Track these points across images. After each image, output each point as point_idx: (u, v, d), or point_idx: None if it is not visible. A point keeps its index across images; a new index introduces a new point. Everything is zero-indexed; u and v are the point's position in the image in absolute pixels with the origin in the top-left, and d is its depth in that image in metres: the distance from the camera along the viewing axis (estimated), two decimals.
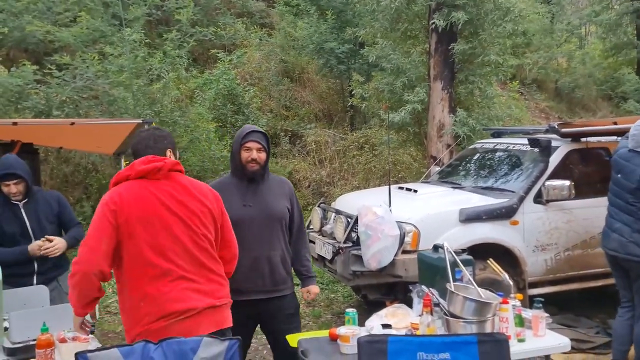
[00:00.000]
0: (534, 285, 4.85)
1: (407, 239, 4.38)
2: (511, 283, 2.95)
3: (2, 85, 6.65)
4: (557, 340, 2.70)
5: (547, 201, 4.76)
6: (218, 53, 9.26)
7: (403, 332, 2.66)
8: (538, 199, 4.77)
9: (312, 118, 10.95)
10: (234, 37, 10.85)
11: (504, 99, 10.50)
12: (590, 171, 5.28)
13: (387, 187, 5.03)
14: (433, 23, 6.51)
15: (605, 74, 17.36)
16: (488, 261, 3.17)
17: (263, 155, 2.92)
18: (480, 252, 4.54)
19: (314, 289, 3.20)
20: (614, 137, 5.24)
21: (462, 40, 6.89)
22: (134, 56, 7.45)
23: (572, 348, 4.49)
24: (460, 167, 5.84)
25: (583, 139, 5.10)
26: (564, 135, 4.97)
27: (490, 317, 2.59)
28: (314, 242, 5.04)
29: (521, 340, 2.64)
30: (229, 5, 13.09)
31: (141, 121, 4.29)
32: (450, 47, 6.82)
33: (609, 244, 3.89)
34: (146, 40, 8.65)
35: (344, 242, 4.57)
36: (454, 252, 3.11)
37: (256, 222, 2.88)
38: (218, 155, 7.69)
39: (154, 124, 4.34)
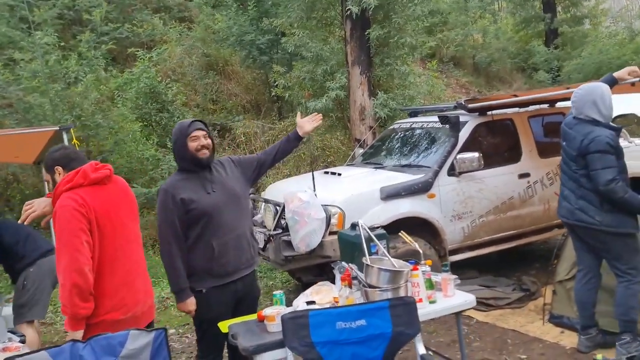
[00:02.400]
0: (454, 252, 5.22)
1: (333, 220, 4.60)
2: (421, 251, 3.21)
3: None
4: (464, 299, 2.98)
5: (460, 173, 5.11)
6: (137, 51, 9.10)
7: (327, 306, 2.87)
8: (451, 171, 5.12)
9: (239, 110, 10.99)
10: (153, 33, 10.66)
11: (424, 78, 10.94)
12: (497, 142, 5.70)
13: (316, 172, 5.23)
14: (348, 10, 6.72)
15: (517, 47, 18.30)
16: (400, 233, 3.42)
17: (210, 141, 3.01)
18: (403, 226, 4.85)
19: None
20: (517, 109, 5.69)
21: (377, 25, 7.15)
22: (46, 60, 7.23)
23: (491, 305, 4.94)
24: (381, 148, 6.13)
25: (489, 113, 5.49)
26: (470, 111, 5.34)
27: (403, 284, 2.84)
28: None
29: (432, 302, 2.91)
30: (144, 1, 12.81)
31: (58, 128, 4.24)
32: (366, 33, 7.08)
33: (560, 211, 3.89)
34: (60, 43, 8.39)
35: (274, 230, 4.74)
36: (375, 228, 3.36)
37: (225, 205, 2.98)
38: (147, 155, 7.62)
39: (72, 130, 4.29)
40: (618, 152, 3.51)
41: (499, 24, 19.86)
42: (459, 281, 3.19)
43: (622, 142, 6.32)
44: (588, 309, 3.87)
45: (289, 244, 4.58)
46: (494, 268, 5.77)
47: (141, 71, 8.28)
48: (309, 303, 2.87)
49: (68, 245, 2.47)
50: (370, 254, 3.09)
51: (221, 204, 2.99)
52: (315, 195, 4.65)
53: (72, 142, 4.27)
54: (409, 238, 3.25)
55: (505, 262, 6.04)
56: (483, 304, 4.98)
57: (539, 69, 16.47)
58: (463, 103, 5.25)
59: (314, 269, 4.99)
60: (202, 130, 2.99)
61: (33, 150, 4.66)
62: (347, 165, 6.20)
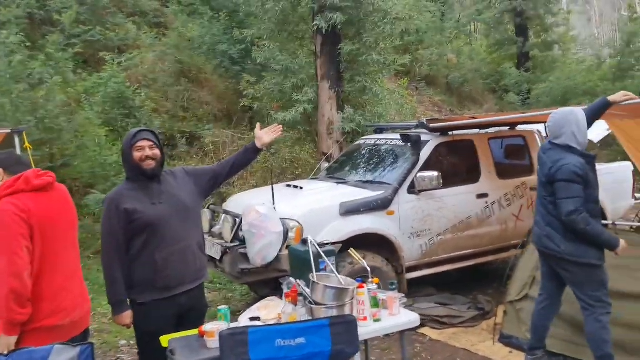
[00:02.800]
0: (412, 269, 5.26)
1: (291, 234, 4.59)
2: (369, 269, 3.22)
3: None
4: (409, 318, 3.00)
5: (420, 191, 5.17)
6: (106, 55, 9.00)
7: (272, 322, 2.86)
8: (411, 189, 5.18)
9: (210, 119, 10.92)
10: (125, 37, 10.55)
11: (394, 96, 11.07)
12: (457, 162, 5.79)
13: (279, 185, 5.23)
14: (315, 25, 6.77)
15: (490, 69, 18.69)
16: (349, 250, 3.43)
17: (157, 152, 2.94)
18: (361, 242, 4.89)
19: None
20: (478, 130, 5.80)
21: (348, 41, 7.23)
22: (9, 60, 7.09)
23: (445, 324, 4.99)
24: (346, 163, 6.17)
25: (450, 133, 5.58)
26: (432, 130, 5.42)
27: (349, 302, 2.85)
28: None
29: (377, 320, 2.92)
30: (119, 5, 12.68)
31: (10, 130, 4.15)
32: (338, 48, 7.14)
33: (532, 236, 3.88)
34: (27, 44, 8.24)
35: (231, 242, 4.71)
36: (325, 244, 3.37)
37: (171, 217, 2.92)
38: (110, 161, 7.51)
39: (24, 133, 4.20)
40: (587, 182, 3.45)
41: (473, 45, 20.28)
42: (405, 300, 3.22)
43: None
44: (540, 333, 3.88)
45: (245, 257, 4.55)
46: (452, 286, 5.83)
47: (109, 76, 8.18)
48: (253, 319, 2.86)
49: (7, 249, 2.43)
50: (318, 270, 3.09)
51: (167, 215, 2.94)
52: (274, 208, 4.65)
53: (25, 146, 4.19)
54: (358, 255, 3.27)
55: (464, 281, 6.12)
56: (437, 322, 5.03)
57: (509, 90, 16.83)
58: (425, 123, 5.33)
59: (271, 282, 4.96)
60: (148, 140, 2.92)
61: None
62: (312, 179, 6.21)
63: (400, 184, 5.14)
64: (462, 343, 4.64)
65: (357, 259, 3.28)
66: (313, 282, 2.85)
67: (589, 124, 3.65)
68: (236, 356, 2.40)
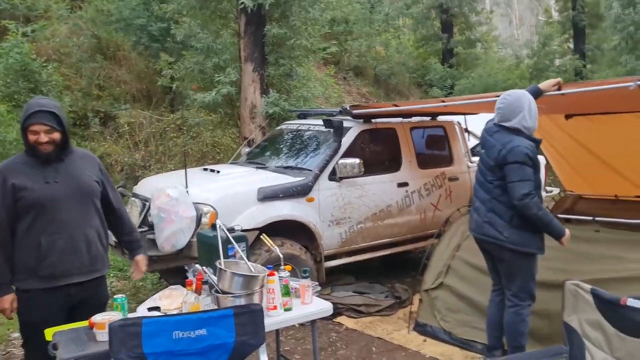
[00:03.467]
0: (331, 257, 5.17)
1: (204, 219, 4.35)
2: (281, 255, 3.06)
3: None
4: (321, 306, 2.88)
5: (341, 178, 5.08)
6: (9, 24, 8.23)
7: (173, 312, 2.64)
8: (332, 176, 5.07)
9: (128, 99, 10.34)
10: (34, 7, 9.73)
11: (319, 82, 10.97)
12: (379, 150, 5.76)
13: (195, 168, 4.94)
14: (242, 3, 6.50)
15: (416, 63, 19.05)
16: (261, 236, 3.26)
17: (56, 135, 2.63)
18: (280, 229, 4.73)
19: (141, 258, 3.09)
20: (400, 119, 5.78)
21: (274, 23, 7.00)
22: None
23: (361, 312, 4.94)
24: (266, 148, 5.97)
25: (373, 121, 5.53)
26: (355, 117, 5.33)
27: (258, 290, 2.68)
28: None
29: (288, 309, 2.77)
30: None
31: None
32: (263, 30, 6.89)
33: (470, 224, 3.65)
34: None
35: (139, 227, 4.40)
36: (236, 230, 3.18)
37: (65, 199, 2.66)
38: (10, 138, 6.87)
39: None
40: (535, 165, 3.33)
41: (401, 39, 20.59)
42: (319, 288, 3.10)
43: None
44: (498, 330, 3.61)
45: (154, 243, 4.27)
46: (371, 275, 5.81)
47: (12, 45, 7.48)
48: (151, 309, 2.63)
49: None
50: (227, 257, 2.90)
51: (60, 196, 2.66)
52: (187, 192, 4.39)
53: None
54: (270, 242, 3.10)
55: (384, 269, 6.12)
56: (354, 311, 4.98)
57: (434, 85, 17.25)
58: (348, 108, 5.23)
59: (181, 270, 4.69)
60: (44, 124, 2.58)
61: None
62: (231, 163, 5.97)
63: (321, 171, 5.02)
64: (377, 332, 4.61)
65: (269, 245, 3.10)
66: (220, 269, 2.65)
67: None
68: (128, 350, 2.17)
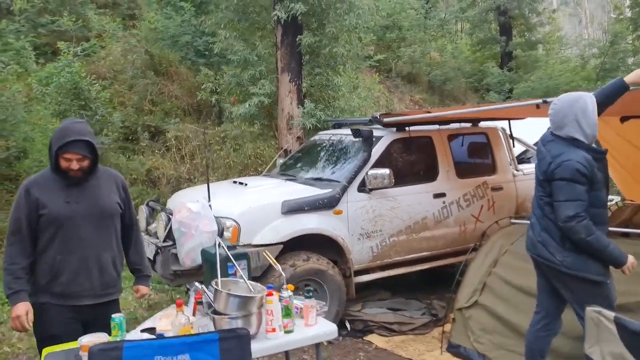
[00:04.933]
0: (362, 272, 4.97)
1: (227, 234, 4.29)
2: (283, 274, 2.91)
3: None
4: (325, 329, 2.71)
5: (371, 190, 4.88)
6: (62, 44, 8.62)
7: (170, 334, 2.55)
8: (362, 188, 4.88)
9: (178, 113, 10.59)
10: (87, 27, 10.19)
11: (362, 91, 10.79)
12: (413, 159, 5.51)
13: (225, 181, 4.90)
14: (275, 15, 6.46)
15: (472, 67, 18.46)
16: (264, 252, 3.13)
17: (86, 163, 2.69)
18: (307, 243, 4.60)
19: (143, 289, 3.07)
20: (437, 126, 5.52)
21: (309, 32, 6.92)
22: None
23: (393, 331, 4.71)
24: (299, 159, 5.86)
25: (407, 129, 5.30)
26: (385, 125, 5.13)
27: (256, 311, 2.56)
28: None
29: (289, 331, 2.63)
30: None
31: None
32: (297, 39, 6.83)
33: (526, 241, 3.31)
34: None
35: (164, 241, 4.39)
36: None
37: (83, 220, 2.70)
38: None
39: None
40: (592, 182, 2.92)
41: (457, 43, 20.05)
42: (326, 308, 2.94)
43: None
44: (535, 357, 3.28)
45: (177, 258, 4.24)
46: (410, 289, 5.54)
47: (64, 65, 7.82)
48: (145, 330, 2.56)
49: None
50: (226, 275, 2.80)
51: (79, 216, 2.69)
52: (210, 206, 4.34)
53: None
54: (272, 258, 2.97)
55: (424, 285, 5.83)
56: (386, 329, 4.76)
57: (491, 89, 16.61)
58: (378, 117, 5.04)
59: None
60: (77, 153, 2.63)
61: None
62: (264, 175, 5.91)
63: (350, 182, 4.84)
64: (408, 352, 4.37)
65: (272, 262, 2.96)
66: (215, 289, 2.55)
67: (601, 110, 3.09)
68: None
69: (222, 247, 2.77)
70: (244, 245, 4.29)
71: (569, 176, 2.90)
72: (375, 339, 4.65)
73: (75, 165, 2.64)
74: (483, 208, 5.55)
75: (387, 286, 5.51)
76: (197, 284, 2.73)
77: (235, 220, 4.33)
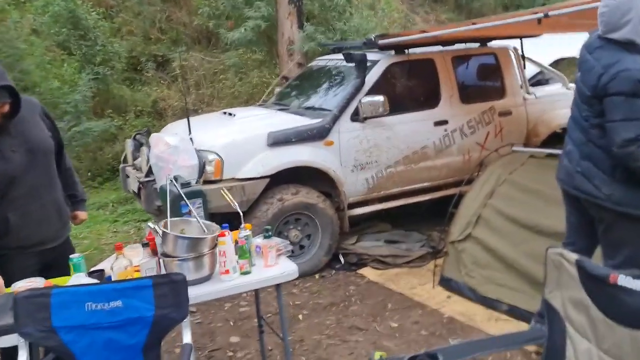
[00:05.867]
0: (357, 205, 4.78)
1: (209, 168, 4.12)
2: (241, 213, 2.73)
3: None
4: (284, 270, 2.55)
5: (365, 119, 4.59)
6: None
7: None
8: (355, 117, 4.60)
9: (187, 41, 10.24)
10: None
11: (384, 11, 10.16)
12: (413, 84, 5.15)
13: (215, 113, 4.70)
14: None
15: None
16: (221, 190, 2.94)
17: (7, 108, 2.38)
18: (295, 176, 4.41)
19: (82, 214, 2.90)
20: (440, 47, 5.10)
21: None
22: None
23: (387, 264, 4.57)
24: (294, 88, 5.57)
25: (407, 51, 4.91)
26: (382, 48, 4.75)
27: (208, 252, 2.42)
28: (129, 177, 4.73)
29: (245, 273, 2.49)
30: None
31: None
32: None
33: (558, 172, 2.84)
34: None
35: (147, 176, 4.27)
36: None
37: (27, 168, 2.45)
38: (53, 86, 6.91)
39: None
40: None
41: None
42: (290, 247, 2.77)
43: (561, 89, 5.82)
44: None
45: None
46: (413, 221, 5.33)
47: None
48: (93, 273, 2.46)
49: None
50: (180, 214, 2.65)
51: (21, 166, 2.43)
52: (191, 139, 4.16)
53: None
54: (230, 196, 2.78)
55: (427, 216, 5.60)
56: (380, 262, 4.63)
57: (521, 6, 15.50)
58: (373, 39, 4.66)
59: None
60: None
61: None
62: (257, 105, 5.66)
63: (341, 111, 4.56)
64: (399, 285, 4.24)
65: (228, 200, 2.77)
66: (163, 231, 2.40)
67: None
68: (35, 323, 2.01)
69: (174, 184, 2.60)
70: (229, 180, 4.14)
71: (627, 90, 2.38)
72: (367, 272, 4.54)
73: None
74: (489, 135, 5.21)
75: (392, 218, 5.32)
76: (149, 224, 2.57)
77: (217, 154, 4.15)
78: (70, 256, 2.43)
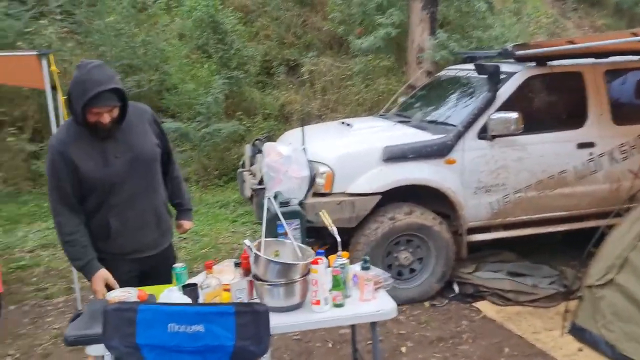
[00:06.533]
0: (478, 230, 4.36)
1: (320, 180, 3.99)
2: (339, 239, 2.50)
3: None
4: (381, 307, 2.29)
5: (493, 137, 4.16)
6: None
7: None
8: (482, 134, 4.18)
9: (320, 46, 10.31)
10: None
11: (530, 17, 9.37)
12: (554, 101, 4.58)
13: (333, 122, 4.57)
14: None
15: None
16: (320, 213, 2.73)
17: (116, 112, 2.38)
18: (409, 194, 4.13)
19: (186, 223, 2.86)
20: (591, 59, 4.48)
21: None
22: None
23: (509, 300, 4.10)
24: (419, 99, 5.25)
25: (550, 63, 4.37)
26: (520, 59, 4.27)
27: (299, 279, 2.25)
28: (245, 182, 4.77)
29: (338, 305, 2.28)
30: None
31: (36, 53, 4.03)
32: None
33: None
34: None
35: (259, 183, 4.24)
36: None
37: (128, 175, 2.45)
38: (189, 88, 7.29)
39: (50, 56, 4.03)
40: None
41: None
42: (390, 281, 2.50)
43: None
44: None
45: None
46: (543, 253, 4.76)
47: None
48: (187, 286, 2.40)
49: None
50: (277, 234, 2.51)
51: (125, 173, 2.44)
52: (304, 149, 4.05)
53: (51, 69, 4.05)
54: (328, 219, 2.58)
55: (561, 248, 4.96)
56: (500, 297, 4.16)
57: None
58: (510, 49, 4.20)
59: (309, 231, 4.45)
60: (107, 106, 2.32)
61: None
62: (378, 116, 5.42)
63: (467, 127, 4.16)
64: (521, 327, 3.76)
65: (327, 223, 2.57)
66: (255, 253, 2.27)
67: None
68: (121, 338, 1.97)
69: (272, 203, 2.46)
70: (339, 194, 3.97)
71: None
72: (484, 306, 4.10)
73: (106, 119, 2.34)
74: None
75: (514, 248, 4.79)
76: (246, 241, 2.46)
77: (329, 166, 4.00)
78: (174, 266, 2.40)
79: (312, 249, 2.45)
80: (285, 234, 2.49)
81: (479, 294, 4.24)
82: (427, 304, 4.19)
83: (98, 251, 2.48)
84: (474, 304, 4.15)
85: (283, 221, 2.45)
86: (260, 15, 10.70)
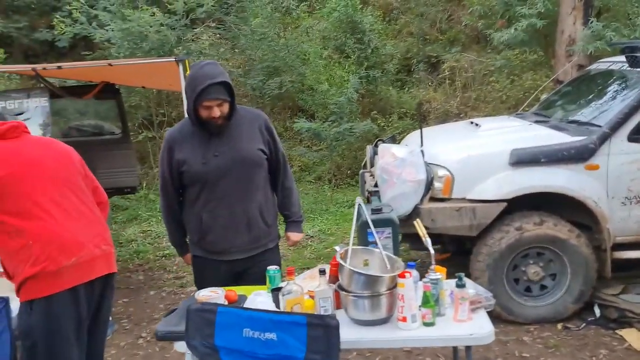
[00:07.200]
0: (626, 246, 3.77)
1: (438, 184, 3.75)
2: (432, 252, 2.28)
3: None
4: (475, 330, 2.05)
5: None
6: None
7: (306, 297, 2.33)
8: (634, 136, 3.60)
9: (465, 41, 9.82)
10: None
11: None
12: None
13: (462, 122, 4.31)
14: None
15: None
16: (415, 222, 2.50)
17: (226, 108, 2.48)
18: (540, 202, 3.71)
19: (294, 235, 2.85)
20: None
21: None
22: None
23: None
24: (563, 96, 4.70)
25: None
26: None
27: (386, 292, 2.12)
28: (365, 183, 4.68)
29: (428, 324, 2.10)
30: None
31: (175, 59, 4.37)
32: None
33: None
34: None
35: (375, 186, 4.12)
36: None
37: (226, 173, 2.52)
38: (323, 88, 7.40)
39: (186, 61, 4.34)
40: None
41: None
42: (492, 301, 2.24)
43: None
44: None
45: None
46: None
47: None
48: (275, 290, 2.40)
49: None
50: (366, 243, 2.39)
51: (221, 171, 2.52)
52: (422, 151, 3.84)
53: (187, 74, 4.36)
54: (423, 229, 2.38)
55: None
56: None
57: None
58: None
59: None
60: (217, 99, 2.42)
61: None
62: (514, 115, 4.96)
63: (615, 128, 3.61)
64: None
65: (422, 234, 2.37)
66: (340, 262, 2.19)
67: None
68: (202, 338, 2.01)
69: (363, 210, 2.35)
70: (458, 199, 3.71)
71: None
72: (631, 335, 3.53)
73: (216, 112, 2.43)
74: None
75: None
76: (337, 247, 2.38)
77: (448, 170, 3.74)
78: (268, 267, 2.41)
79: (434, 257, 2.29)
80: (375, 243, 2.36)
81: (624, 319, 3.66)
82: (559, 325, 3.73)
83: (193, 250, 2.59)
84: (617, 331, 3.60)
85: (373, 229, 2.33)
86: (403, 12, 10.52)
